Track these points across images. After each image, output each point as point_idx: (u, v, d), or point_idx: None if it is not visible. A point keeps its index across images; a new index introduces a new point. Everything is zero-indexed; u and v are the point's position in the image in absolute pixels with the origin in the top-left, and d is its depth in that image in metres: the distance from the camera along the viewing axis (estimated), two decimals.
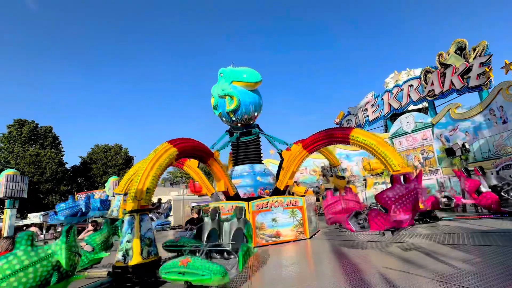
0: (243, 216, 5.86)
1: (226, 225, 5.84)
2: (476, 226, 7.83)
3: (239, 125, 11.63)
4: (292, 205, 9.38)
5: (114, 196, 9.44)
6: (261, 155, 12.39)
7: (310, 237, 9.25)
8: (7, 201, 13.04)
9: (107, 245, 6.24)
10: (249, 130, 11.81)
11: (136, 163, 8.75)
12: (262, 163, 12.30)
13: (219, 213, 6.14)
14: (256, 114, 11.46)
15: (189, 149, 7.85)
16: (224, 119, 11.56)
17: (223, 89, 10.89)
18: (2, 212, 15.79)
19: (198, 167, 11.49)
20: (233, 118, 11.17)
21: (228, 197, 10.11)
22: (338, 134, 8.95)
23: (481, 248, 5.78)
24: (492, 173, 10.29)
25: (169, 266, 4.16)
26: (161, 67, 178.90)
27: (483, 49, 15.98)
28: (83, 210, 9.45)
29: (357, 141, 8.08)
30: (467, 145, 15.11)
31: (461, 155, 14.41)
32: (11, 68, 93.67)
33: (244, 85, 10.80)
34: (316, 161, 24.53)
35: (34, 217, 20.96)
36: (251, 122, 11.80)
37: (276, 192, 10.28)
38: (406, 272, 4.55)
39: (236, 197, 10.11)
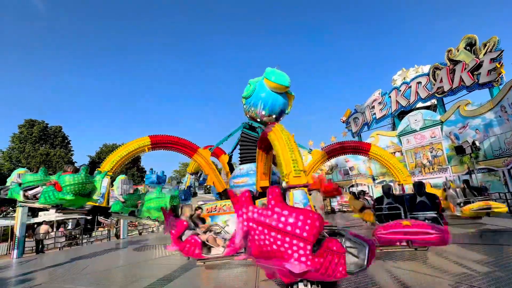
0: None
1: None
2: None
3: (248, 116, 11.80)
4: None
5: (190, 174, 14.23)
6: None
7: None
8: None
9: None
10: (254, 127, 11.81)
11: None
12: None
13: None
14: (263, 113, 11.28)
15: (163, 142, 8.87)
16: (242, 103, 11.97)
17: (253, 79, 11.41)
18: (14, 211, 16.23)
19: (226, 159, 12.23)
20: (244, 105, 11.45)
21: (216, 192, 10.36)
22: (264, 133, 6.81)
23: (492, 246, 5.68)
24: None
25: None
26: (171, 67, 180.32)
27: (493, 45, 15.60)
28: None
29: (270, 140, 6.25)
30: (477, 143, 14.84)
31: (471, 153, 14.15)
32: (19, 69, 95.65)
33: (268, 83, 11.01)
34: None
35: (45, 215, 21.41)
36: (258, 120, 11.73)
37: (259, 194, 9.61)
38: (415, 271, 4.51)
39: (224, 193, 9.99)
